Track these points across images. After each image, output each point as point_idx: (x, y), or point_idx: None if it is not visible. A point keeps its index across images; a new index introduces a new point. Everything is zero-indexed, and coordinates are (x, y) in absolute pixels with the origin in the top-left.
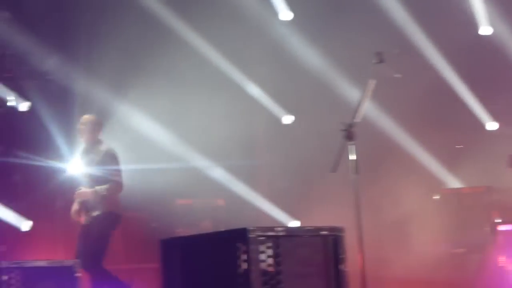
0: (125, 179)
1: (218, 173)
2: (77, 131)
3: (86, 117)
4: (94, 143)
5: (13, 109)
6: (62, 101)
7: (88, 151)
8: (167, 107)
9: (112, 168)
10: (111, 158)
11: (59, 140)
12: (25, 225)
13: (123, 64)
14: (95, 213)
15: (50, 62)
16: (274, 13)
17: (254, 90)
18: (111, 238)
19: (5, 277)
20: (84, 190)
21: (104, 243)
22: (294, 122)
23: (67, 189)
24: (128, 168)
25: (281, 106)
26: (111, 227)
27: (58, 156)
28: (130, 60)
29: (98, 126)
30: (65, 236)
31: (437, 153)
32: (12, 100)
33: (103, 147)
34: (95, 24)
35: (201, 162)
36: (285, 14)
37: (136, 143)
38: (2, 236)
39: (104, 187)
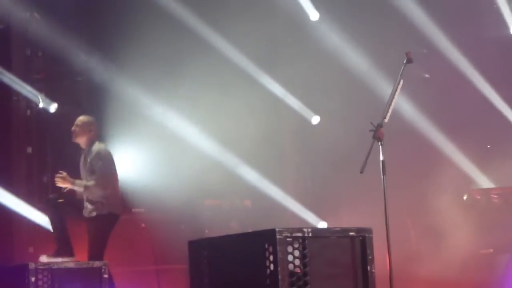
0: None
1: (246, 174)
2: (71, 133)
3: (80, 119)
4: (89, 144)
5: (44, 110)
6: (93, 102)
7: (85, 152)
8: (196, 107)
9: (97, 168)
10: (98, 158)
11: None
12: None
13: (155, 66)
14: (93, 214)
15: (81, 63)
16: (303, 13)
17: (282, 90)
18: (138, 239)
19: (33, 279)
20: (65, 175)
21: (103, 242)
22: (322, 122)
23: None
24: (157, 168)
25: (309, 106)
26: (108, 227)
27: None
28: (162, 62)
29: (92, 126)
30: None
31: (466, 153)
32: (43, 101)
33: (95, 148)
34: (129, 26)
35: (229, 162)
36: (314, 14)
37: (165, 144)
38: (30, 237)
39: (83, 182)
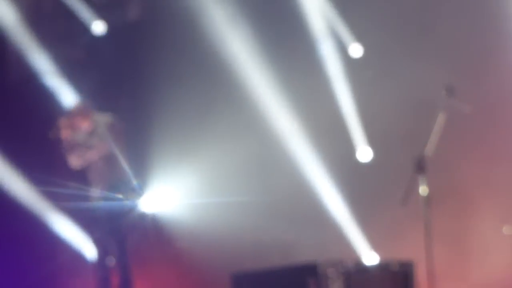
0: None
1: (287, 207)
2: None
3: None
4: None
5: None
6: (136, 140)
7: None
8: (238, 147)
9: None
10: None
11: (131, 177)
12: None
13: (198, 101)
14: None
15: (120, 102)
16: (341, 50)
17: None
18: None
19: None
20: None
21: None
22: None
23: (138, 226)
24: (199, 201)
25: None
26: None
27: (129, 193)
28: (209, 96)
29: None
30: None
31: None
32: None
33: None
34: (169, 67)
35: (271, 195)
36: (355, 49)
37: (207, 177)
38: (76, 268)
39: None
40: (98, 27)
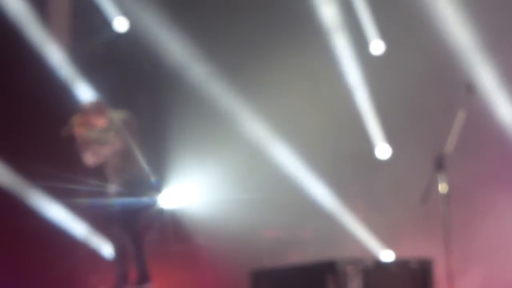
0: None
1: (306, 204)
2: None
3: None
4: None
5: None
6: (156, 133)
7: None
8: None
9: None
10: None
11: (148, 174)
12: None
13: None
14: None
15: (139, 99)
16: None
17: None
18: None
19: None
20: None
21: None
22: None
23: (157, 223)
24: (218, 198)
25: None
26: None
27: (148, 190)
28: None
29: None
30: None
31: None
32: None
33: None
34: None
35: (289, 192)
36: (377, 46)
37: (226, 174)
38: (95, 264)
39: None
40: (120, 23)
